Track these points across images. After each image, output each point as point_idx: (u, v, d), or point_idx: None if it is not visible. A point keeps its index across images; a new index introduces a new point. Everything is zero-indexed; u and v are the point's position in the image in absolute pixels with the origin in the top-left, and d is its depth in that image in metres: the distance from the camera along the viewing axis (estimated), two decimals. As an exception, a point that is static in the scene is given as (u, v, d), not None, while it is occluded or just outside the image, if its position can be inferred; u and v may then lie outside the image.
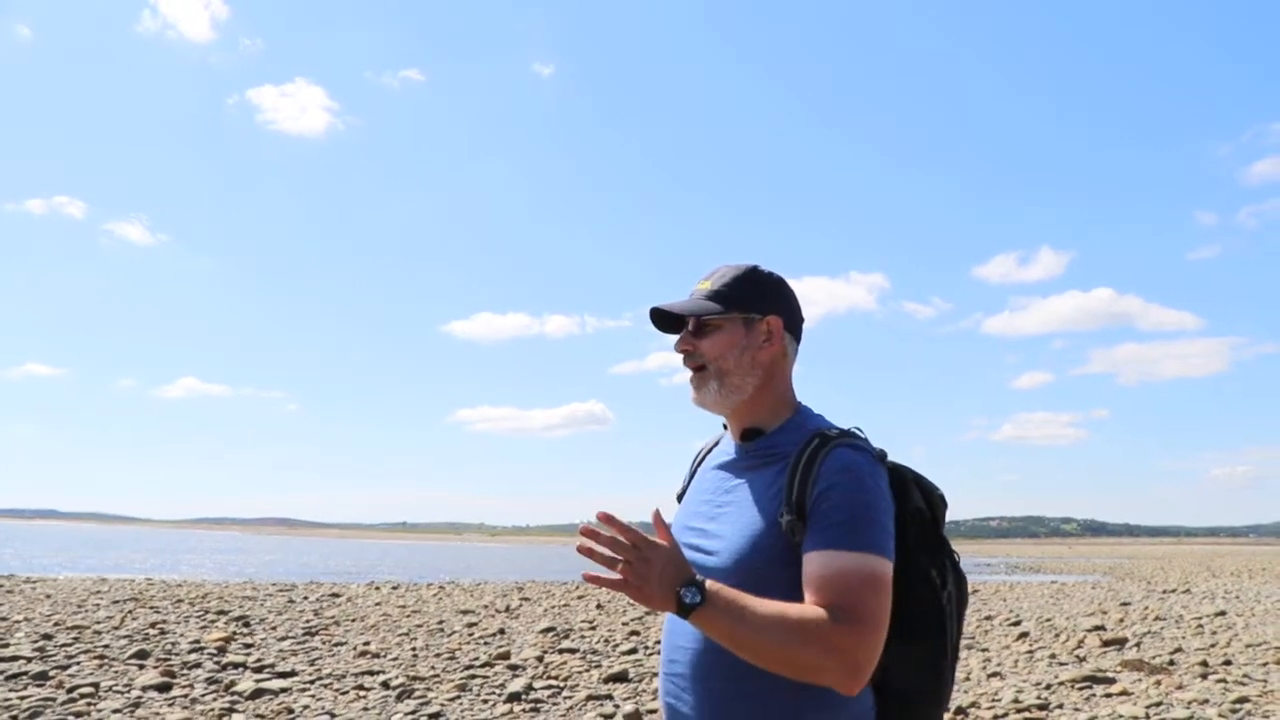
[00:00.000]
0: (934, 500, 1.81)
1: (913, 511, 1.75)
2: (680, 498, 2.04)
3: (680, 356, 1.90)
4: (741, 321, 1.85)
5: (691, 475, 2.05)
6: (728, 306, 1.84)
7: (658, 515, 1.65)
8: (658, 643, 11.78)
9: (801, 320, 1.94)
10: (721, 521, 1.80)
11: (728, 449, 1.93)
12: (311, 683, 8.61)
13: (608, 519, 1.58)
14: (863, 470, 1.68)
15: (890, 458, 1.81)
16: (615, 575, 1.56)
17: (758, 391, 1.85)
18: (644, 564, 1.56)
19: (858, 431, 1.80)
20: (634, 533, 1.57)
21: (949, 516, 1.87)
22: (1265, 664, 10.08)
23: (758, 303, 1.87)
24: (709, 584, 1.57)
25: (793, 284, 1.94)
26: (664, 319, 1.92)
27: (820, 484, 1.66)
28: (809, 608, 1.59)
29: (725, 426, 1.99)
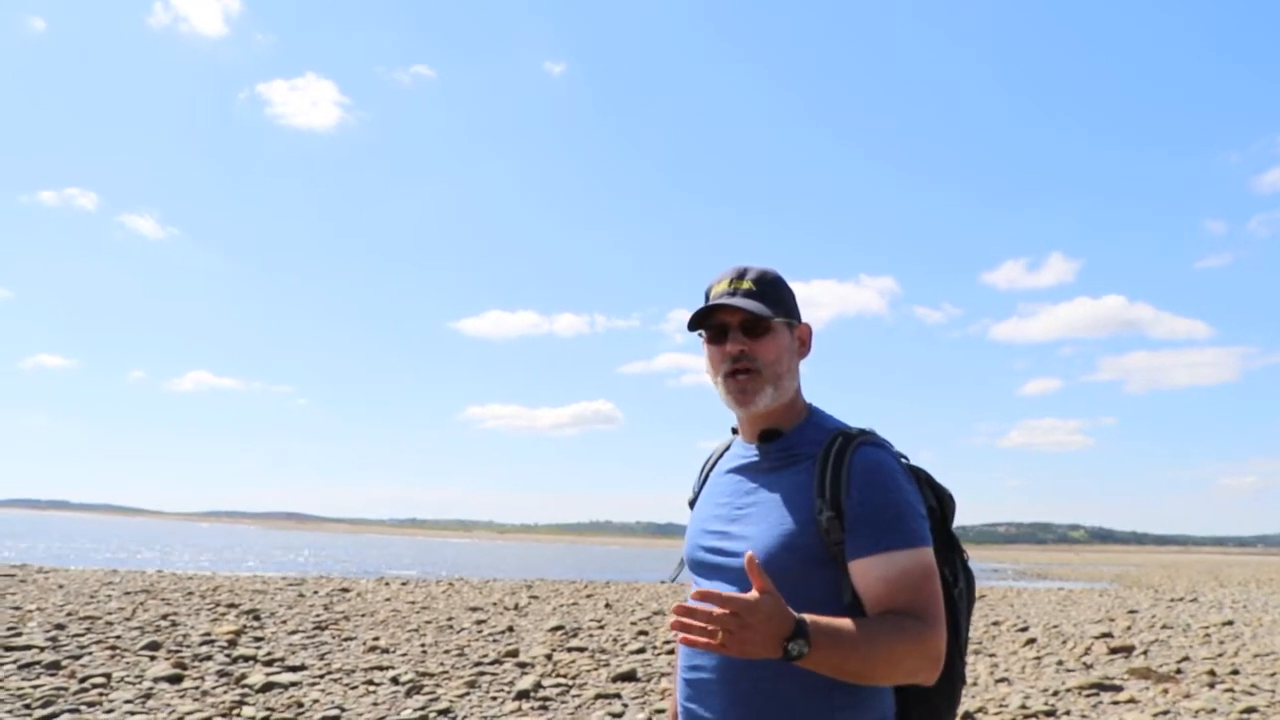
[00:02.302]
0: (945, 500, 1.85)
1: (927, 511, 1.78)
2: (692, 504, 2.03)
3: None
4: (786, 326, 1.85)
5: (703, 481, 2.03)
6: (777, 310, 1.83)
7: (752, 561, 1.50)
8: (666, 643, 11.84)
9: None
10: (745, 523, 1.79)
11: (742, 452, 1.91)
12: (321, 677, 8.66)
13: (704, 596, 1.47)
14: (893, 468, 1.72)
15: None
16: (713, 642, 1.46)
17: (794, 396, 1.87)
18: (744, 630, 1.45)
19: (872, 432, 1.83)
20: (733, 600, 1.45)
21: (956, 520, 1.91)
22: (1273, 674, 10.05)
23: (794, 308, 1.88)
24: (810, 625, 1.51)
25: (803, 287, 1.96)
26: (695, 319, 1.85)
27: (855, 483, 1.69)
28: (896, 618, 1.63)
29: (734, 430, 1.98)
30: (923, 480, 1.83)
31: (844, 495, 1.69)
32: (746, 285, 1.83)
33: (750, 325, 1.81)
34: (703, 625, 1.45)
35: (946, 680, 1.75)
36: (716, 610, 1.44)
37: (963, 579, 1.85)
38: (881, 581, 1.65)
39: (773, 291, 1.84)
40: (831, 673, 1.56)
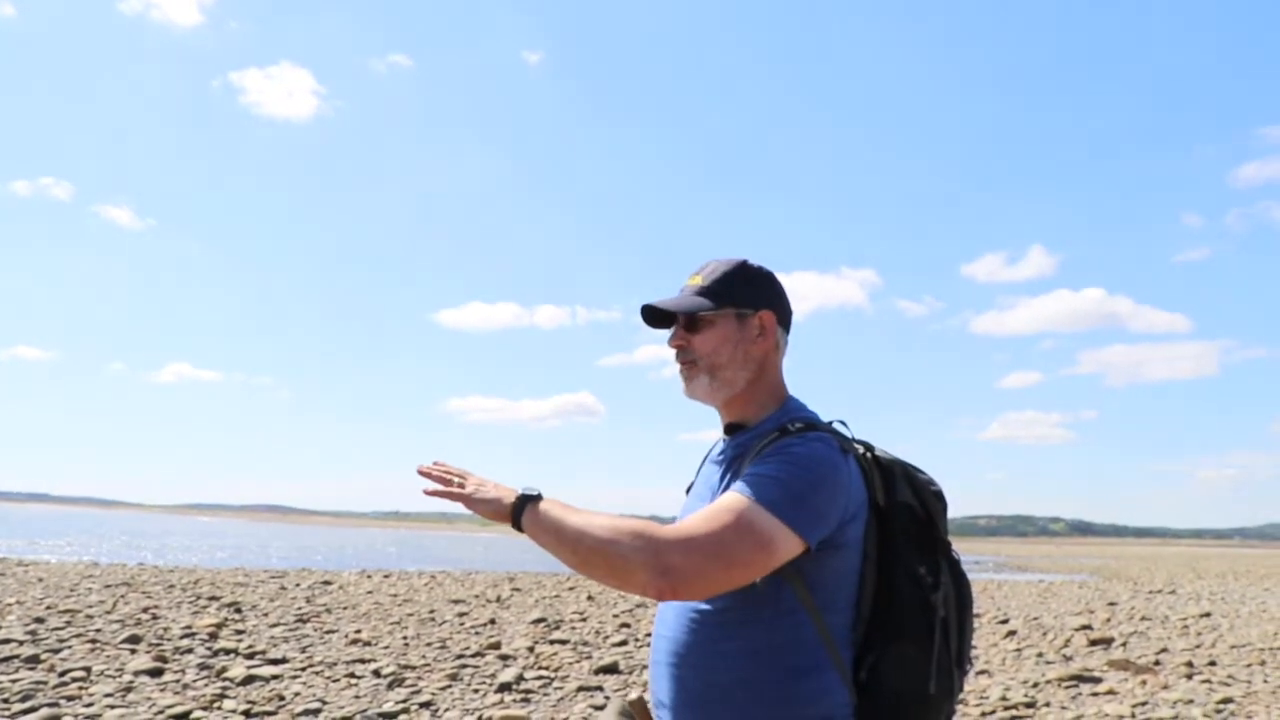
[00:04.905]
0: (927, 496, 1.77)
1: (899, 506, 1.73)
2: (688, 491, 2.05)
3: (670, 349, 1.91)
4: (735, 317, 1.85)
5: (699, 470, 2.05)
6: (720, 302, 1.84)
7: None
8: (648, 635, 11.85)
9: (790, 313, 1.94)
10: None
11: (722, 444, 1.93)
12: (303, 670, 8.64)
13: (439, 465, 1.86)
14: (803, 451, 1.66)
15: (878, 451, 1.81)
16: (454, 490, 1.80)
17: (749, 385, 1.86)
18: (478, 481, 1.80)
19: (840, 425, 1.80)
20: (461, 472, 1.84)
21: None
22: (1249, 665, 10.17)
23: (750, 297, 1.87)
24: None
25: (784, 278, 1.95)
26: (655, 314, 1.91)
27: (757, 459, 1.69)
28: (641, 519, 1.64)
29: None
30: (898, 473, 1.77)
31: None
32: (697, 281, 1.89)
33: (689, 320, 1.87)
34: (443, 478, 1.82)
35: (919, 685, 1.68)
36: (454, 469, 1.83)
37: (948, 582, 1.74)
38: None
39: (720, 284, 1.86)
40: (551, 542, 1.67)
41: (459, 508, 1.81)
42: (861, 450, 1.79)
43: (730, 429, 1.89)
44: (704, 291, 1.86)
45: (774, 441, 1.71)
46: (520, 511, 1.70)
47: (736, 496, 1.62)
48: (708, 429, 2.06)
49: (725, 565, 1.56)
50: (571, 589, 20.40)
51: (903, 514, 1.74)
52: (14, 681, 7.34)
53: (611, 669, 9.27)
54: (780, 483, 1.62)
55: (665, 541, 1.55)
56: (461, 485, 1.79)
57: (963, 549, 1.82)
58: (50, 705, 6.72)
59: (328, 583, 19.43)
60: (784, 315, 1.91)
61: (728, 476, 1.79)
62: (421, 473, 1.82)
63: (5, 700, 6.80)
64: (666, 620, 1.81)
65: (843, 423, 1.82)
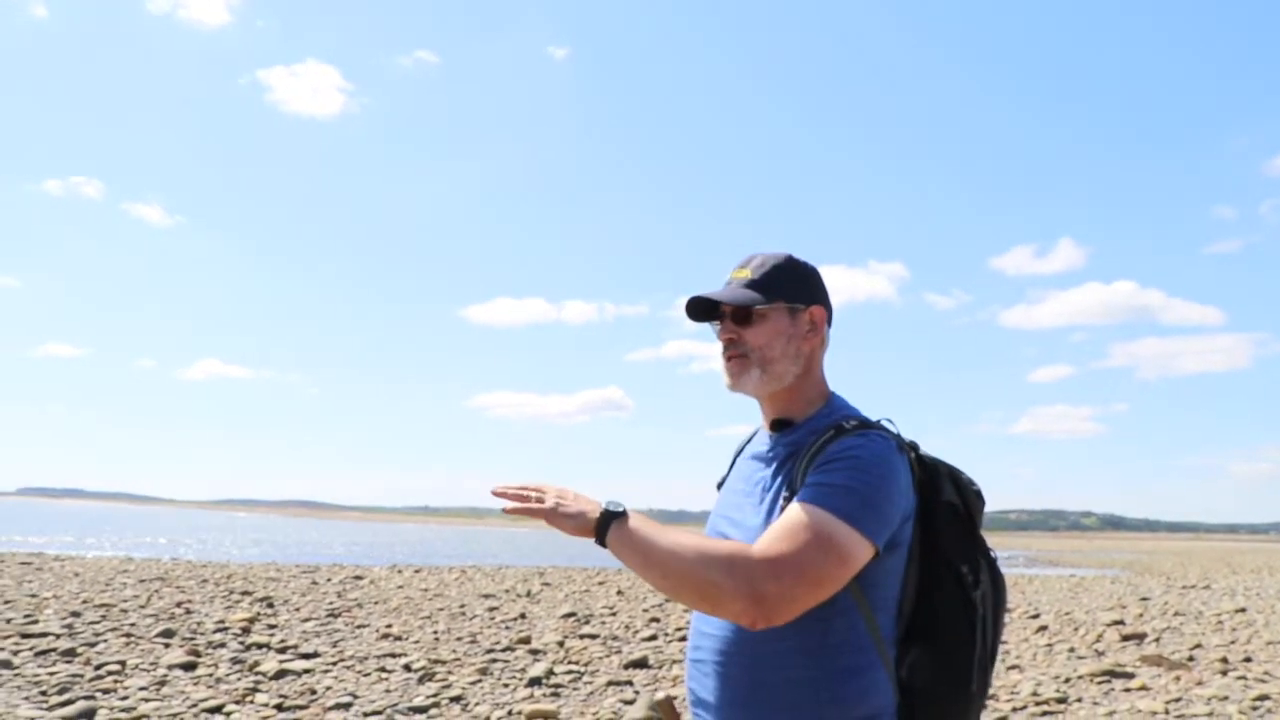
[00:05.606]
0: (969, 496, 1.78)
1: (944, 505, 1.73)
2: (720, 486, 2.03)
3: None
4: (787, 311, 1.84)
5: (732, 464, 2.03)
6: (772, 296, 1.82)
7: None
8: (678, 630, 11.87)
9: (832, 310, 1.92)
10: (745, 510, 1.80)
11: (762, 439, 1.91)
12: (334, 664, 8.71)
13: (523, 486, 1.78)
14: (867, 454, 1.65)
15: (922, 451, 1.80)
16: (534, 506, 1.73)
17: (797, 381, 1.84)
18: (558, 492, 1.74)
19: (887, 423, 1.78)
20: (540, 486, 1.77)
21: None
22: (1287, 661, 10.02)
23: (800, 292, 1.86)
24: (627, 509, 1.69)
25: None
26: (698, 307, 1.88)
27: (819, 461, 1.67)
28: (729, 541, 1.63)
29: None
30: (943, 472, 1.78)
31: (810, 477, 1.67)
32: (745, 274, 1.86)
33: (740, 313, 1.84)
34: (521, 496, 1.75)
35: (960, 684, 1.69)
36: (531, 486, 1.76)
37: (987, 580, 1.75)
38: (771, 526, 1.63)
39: (770, 278, 1.84)
40: (638, 562, 1.62)
41: (491, 503, 1.79)
42: (909, 449, 1.78)
43: (776, 425, 1.86)
44: (754, 285, 1.84)
45: (831, 440, 1.70)
46: (605, 528, 1.67)
47: (811, 510, 1.59)
48: (737, 423, 2.03)
49: (811, 585, 1.55)
50: (601, 584, 20.44)
51: (947, 513, 1.74)
52: (51, 674, 7.46)
53: (641, 664, 9.28)
54: (852, 491, 1.61)
55: (759, 570, 1.53)
56: (540, 500, 1.74)
57: (993, 544, 1.81)
58: (86, 698, 6.81)
59: (359, 577, 19.59)
60: (829, 311, 1.91)
61: (780, 477, 1.77)
62: (496, 494, 1.77)
63: (43, 692, 6.90)
64: (710, 619, 1.77)
65: (890, 421, 1.80)
